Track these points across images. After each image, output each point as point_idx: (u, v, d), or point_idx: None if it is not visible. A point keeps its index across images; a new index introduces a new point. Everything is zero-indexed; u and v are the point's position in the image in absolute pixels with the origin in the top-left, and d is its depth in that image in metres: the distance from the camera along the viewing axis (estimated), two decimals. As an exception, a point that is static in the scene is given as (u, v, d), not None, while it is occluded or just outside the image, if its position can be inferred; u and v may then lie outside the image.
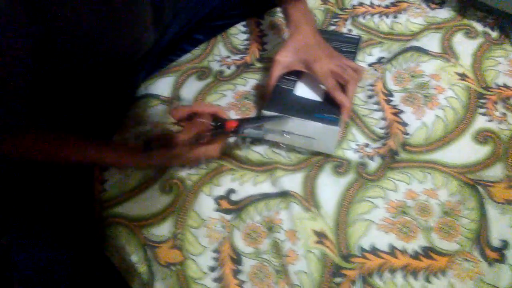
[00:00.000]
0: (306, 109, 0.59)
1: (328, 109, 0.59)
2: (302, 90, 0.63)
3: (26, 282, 0.73)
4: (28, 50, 0.48)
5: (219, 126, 0.55)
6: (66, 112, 0.65)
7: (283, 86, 0.63)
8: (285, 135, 0.58)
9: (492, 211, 0.55)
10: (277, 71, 0.62)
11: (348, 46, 0.69)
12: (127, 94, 0.70)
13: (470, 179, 0.58)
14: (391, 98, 0.66)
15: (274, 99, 0.61)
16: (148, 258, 0.56)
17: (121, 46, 0.59)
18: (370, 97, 0.67)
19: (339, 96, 0.58)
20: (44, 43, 0.49)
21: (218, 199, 0.58)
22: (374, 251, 0.53)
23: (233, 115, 0.67)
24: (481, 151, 0.60)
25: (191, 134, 0.55)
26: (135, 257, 0.57)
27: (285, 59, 0.62)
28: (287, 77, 0.64)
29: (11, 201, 0.70)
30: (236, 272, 0.53)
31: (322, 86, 0.61)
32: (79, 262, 0.68)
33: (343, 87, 0.60)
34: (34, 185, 0.68)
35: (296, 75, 0.64)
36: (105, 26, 0.51)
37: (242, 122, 0.55)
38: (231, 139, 0.64)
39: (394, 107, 0.65)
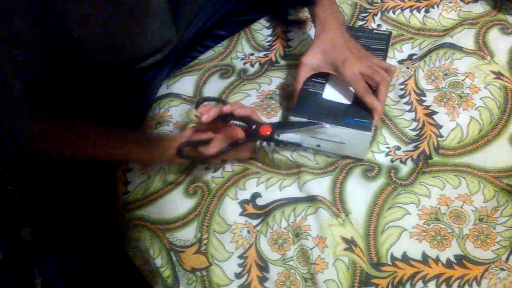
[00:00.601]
0: (335, 114, 0.57)
1: (359, 113, 0.57)
2: (331, 93, 0.60)
3: (48, 280, 0.73)
4: (38, 49, 0.47)
5: (253, 131, 0.53)
6: (84, 113, 0.64)
7: (311, 90, 0.60)
8: (316, 141, 0.56)
9: (531, 219, 0.53)
10: (304, 74, 0.60)
11: (378, 43, 0.66)
12: (148, 93, 0.69)
13: (506, 184, 0.55)
14: (423, 98, 0.64)
15: (302, 103, 0.59)
16: (172, 262, 0.55)
17: (136, 44, 0.57)
18: (401, 96, 0.64)
19: (370, 99, 0.56)
20: (54, 42, 0.48)
21: (243, 203, 0.57)
22: (406, 259, 0.51)
23: (259, 115, 0.65)
24: (519, 155, 0.58)
25: (224, 143, 0.53)
26: (159, 261, 0.56)
27: (312, 61, 0.59)
28: (314, 79, 0.61)
29: (35, 198, 0.70)
30: (262, 280, 0.52)
31: (352, 89, 0.59)
32: (102, 262, 0.68)
33: (374, 90, 0.57)
34: (58, 185, 0.68)
35: (324, 77, 0.61)
36: (116, 24, 0.50)
37: (277, 127, 0.53)
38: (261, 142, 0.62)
39: (427, 107, 0.63)
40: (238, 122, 0.55)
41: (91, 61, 0.57)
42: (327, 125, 0.55)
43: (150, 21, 0.54)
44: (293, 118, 0.57)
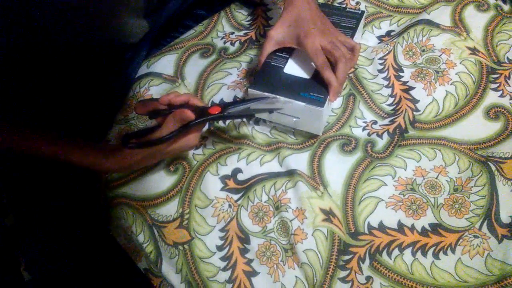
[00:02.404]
0: (292, 88, 0.57)
1: (315, 88, 0.57)
2: (292, 68, 0.60)
3: (32, 264, 0.73)
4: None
5: (202, 113, 0.52)
6: (65, 93, 0.63)
7: (273, 63, 0.61)
8: (271, 114, 0.56)
9: (503, 187, 0.54)
10: (268, 48, 0.60)
11: (349, 22, 0.66)
12: (128, 73, 0.69)
13: (481, 155, 0.57)
14: (401, 74, 0.65)
15: (261, 76, 0.59)
16: (155, 237, 0.56)
17: (109, 28, 0.57)
18: (380, 71, 0.65)
19: (327, 74, 0.56)
20: (23, 27, 0.48)
21: (224, 179, 0.58)
22: (383, 228, 0.53)
23: (239, 93, 0.65)
24: (493, 127, 0.59)
25: (172, 128, 0.51)
26: (142, 237, 0.57)
27: (277, 35, 0.60)
28: (279, 54, 0.62)
29: (16, 182, 0.70)
30: (243, 251, 0.53)
31: (313, 64, 0.59)
32: (85, 244, 0.68)
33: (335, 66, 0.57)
34: (39, 167, 0.67)
35: (289, 52, 0.62)
36: (86, 9, 0.49)
37: (226, 106, 0.53)
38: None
39: (404, 83, 0.64)
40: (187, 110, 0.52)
41: (64, 46, 0.56)
42: (278, 97, 0.55)
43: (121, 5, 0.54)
44: (251, 91, 0.58)
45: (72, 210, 0.68)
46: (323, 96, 0.56)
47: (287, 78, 0.59)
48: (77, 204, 0.67)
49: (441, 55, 0.66)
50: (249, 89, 0.58)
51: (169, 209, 0.57)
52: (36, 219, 0.70)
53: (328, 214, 0.54)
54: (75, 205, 0.68)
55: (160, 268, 0.55)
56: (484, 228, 0.52)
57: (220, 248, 0.54)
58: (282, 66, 0.60)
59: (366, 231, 0.53)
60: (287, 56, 0.62)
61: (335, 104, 0.63)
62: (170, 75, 0.69)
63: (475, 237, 0.52)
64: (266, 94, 0.57)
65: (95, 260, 0.71)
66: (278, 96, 0.56)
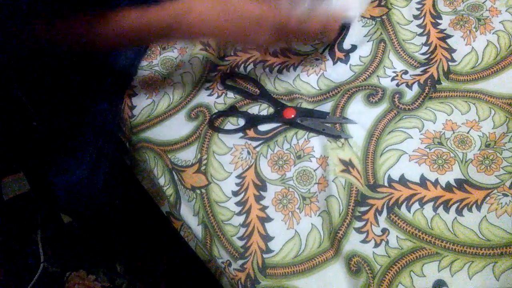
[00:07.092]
0: None
1: None
2: None
3: (64, 201, 0.77)
4: None
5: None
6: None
7: None
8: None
9: (541, 144, 0.50)
10: None
11: None
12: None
13: (519, 110, 0.53)
14: (439, 21, 0.60)
15: None
16: (174, 181, 0.57)
17: None
18: (415, 17, 0.61)
19: None
20: None
21: (244, 129, 0.57)
22: (404, 181, 0.51)
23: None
24: (537, 80, 0.54)
25: None
26: (162, 180, 0.58)
27: None
28: None
29: (50, 128, 0.73)
30: (259, 198, 0.53)
31: None
32: (112, 184, 0.71)
33: None
34: (68, 113, 0.70)
35: None
36: None
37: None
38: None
39: (441, 31, 0.59)
40: None
41: None
42: None
43: None
44: None
45: (100, 152, 0.71)
46: None
47: None
48: (105, 147, 0.70)
49: (485, 1, 0.60)
50: None
51: (188, 154, 0.58)
52: (66, 162, 0.73)
53: (347, 165, 0.52)
54: (103, 147, 0.70)
55: (179, 210, 0.56)
56: (516, 187, 0.49)
57: (235, 193, 0.54)
58: None
59: (386, 184, 0.51)
60: None
61: (363, 51, 0.60)
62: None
63: (504, 195, 0.49)
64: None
65: (120, 201, 0.75)
66: None
